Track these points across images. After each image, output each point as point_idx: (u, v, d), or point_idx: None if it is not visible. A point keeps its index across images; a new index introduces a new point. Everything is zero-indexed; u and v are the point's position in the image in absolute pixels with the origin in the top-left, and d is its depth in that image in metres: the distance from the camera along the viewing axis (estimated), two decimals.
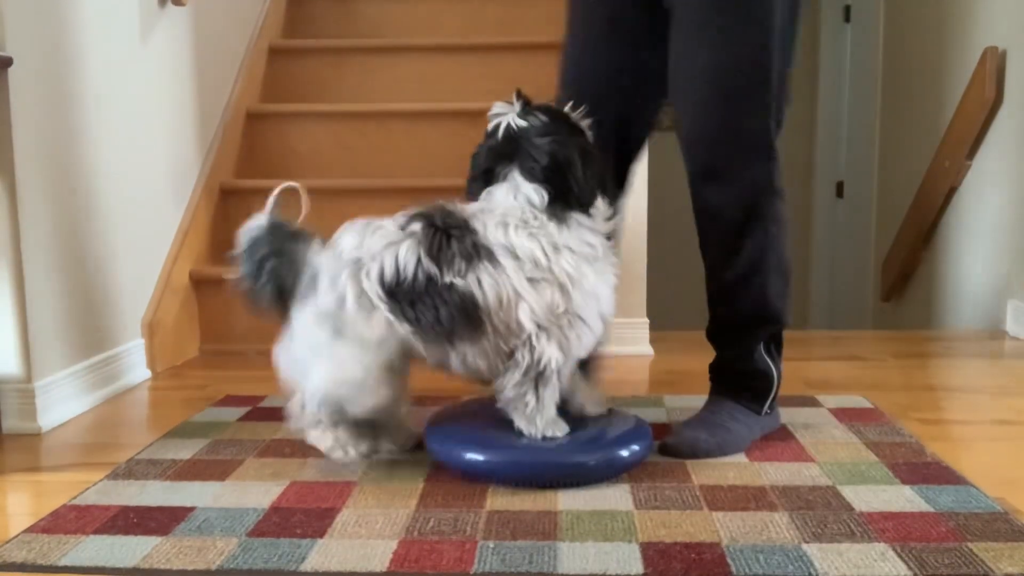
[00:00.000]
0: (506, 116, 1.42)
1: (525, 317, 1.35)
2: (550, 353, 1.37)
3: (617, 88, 1.60)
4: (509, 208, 1.39)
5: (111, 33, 2.12)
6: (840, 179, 4.64)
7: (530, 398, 1.39)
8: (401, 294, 1.35)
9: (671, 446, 1.54)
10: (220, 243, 2.68)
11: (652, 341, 2.48)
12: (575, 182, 1.38)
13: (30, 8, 1.79)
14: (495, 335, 1.36)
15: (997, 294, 2.86)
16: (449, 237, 1.35)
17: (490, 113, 1.45)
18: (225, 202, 2.74)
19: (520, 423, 1.42)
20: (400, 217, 1.41)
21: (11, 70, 1.71)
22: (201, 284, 2.55)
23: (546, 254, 1.36)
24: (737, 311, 1.61)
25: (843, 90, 4.62)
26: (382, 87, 3.17)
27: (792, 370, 2.21)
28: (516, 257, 1.35)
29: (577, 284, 1.37)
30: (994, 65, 2.85)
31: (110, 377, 2.08)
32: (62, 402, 1.87)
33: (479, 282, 1.34)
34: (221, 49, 2.86)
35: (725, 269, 1.58)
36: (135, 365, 2.21)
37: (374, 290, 1.36)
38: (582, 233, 1.40)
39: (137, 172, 2.25)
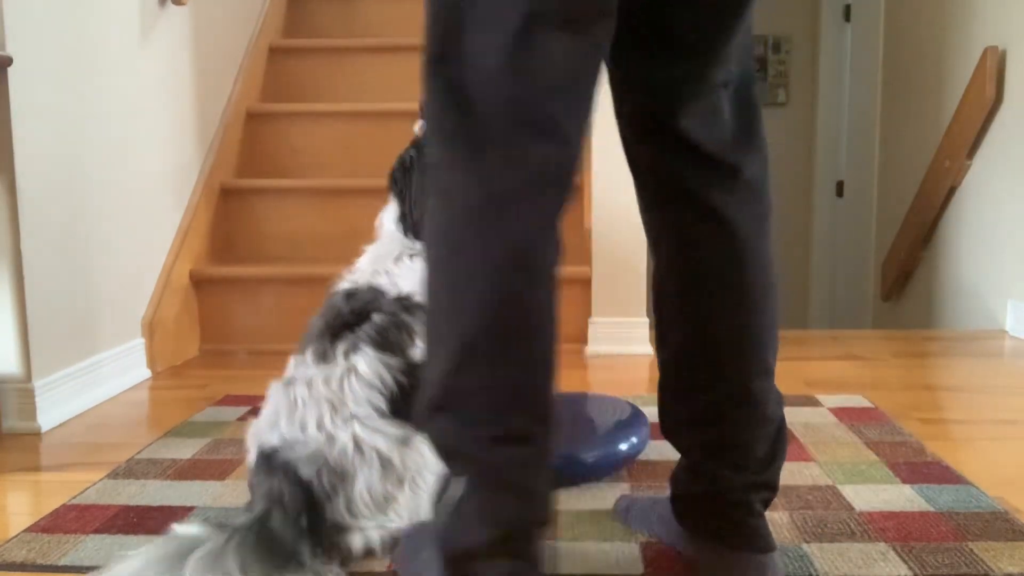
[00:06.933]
0: None
1: None
2: None
3: None
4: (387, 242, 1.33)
5: (111, 33, 2.12)
6: (840, 179, 4.64)
7: None
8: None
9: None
10: (220, 243, 2.69)
11: (652, 340, 2.47)
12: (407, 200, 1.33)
13: (30, 8, 1.79)
14: None
15: (997, 294, 2.86)
16: (400, 326, 1.24)
17: None
18: (225, 202, 2.74)
19: None
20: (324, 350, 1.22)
21: (11, 70, 1.71)
22: (201, 284, 2.55)
23: None
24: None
25: (843, 90, 4.62)
26: (382, 87, 3.17)
27: (792, 370, 2.21)
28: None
29: None
30: (994, 65, 2.84)
31: (110, 377, 2.08)
32: (62, 402, 1.87)
33: None
34: (221, 49, 2.86)
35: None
36: (135, 365, 2.21)
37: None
38: None
39: (137, 172, 2.25)
